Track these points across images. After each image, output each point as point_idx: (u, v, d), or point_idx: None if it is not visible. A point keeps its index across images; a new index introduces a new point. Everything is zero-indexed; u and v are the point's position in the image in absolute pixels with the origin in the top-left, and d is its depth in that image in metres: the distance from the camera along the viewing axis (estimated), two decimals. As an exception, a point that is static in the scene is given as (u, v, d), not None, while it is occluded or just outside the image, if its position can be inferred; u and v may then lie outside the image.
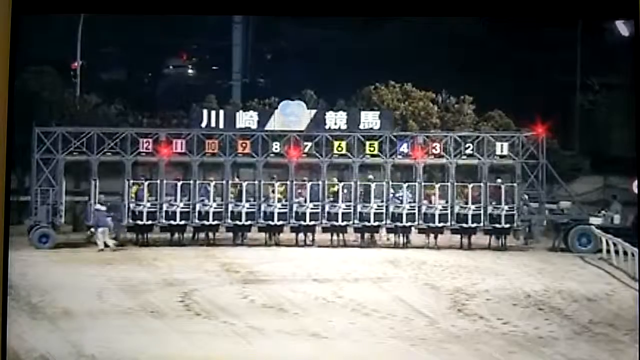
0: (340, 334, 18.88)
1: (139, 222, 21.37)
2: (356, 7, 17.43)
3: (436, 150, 21.47)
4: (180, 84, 21.82)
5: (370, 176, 21.59)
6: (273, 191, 21.24)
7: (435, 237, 21.54)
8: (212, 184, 21.38)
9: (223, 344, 18.52)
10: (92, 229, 20.98)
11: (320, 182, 21.58)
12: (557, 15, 17.83)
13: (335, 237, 21.62)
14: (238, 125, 21.34)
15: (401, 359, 18.39)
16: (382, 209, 21.52)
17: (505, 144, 21.39)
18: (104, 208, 21.05)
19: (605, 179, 21.23)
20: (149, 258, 20.84)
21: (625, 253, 20.46)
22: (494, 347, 18.57)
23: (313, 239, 21.52)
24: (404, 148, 21.49)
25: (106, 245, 20.96)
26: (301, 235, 21.49)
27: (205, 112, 21.27)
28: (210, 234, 21.41)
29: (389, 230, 21.61)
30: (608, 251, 20.92)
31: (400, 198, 21.27)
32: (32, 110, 19.87)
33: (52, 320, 18.64)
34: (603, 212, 21.23)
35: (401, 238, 21.56)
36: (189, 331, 18.78)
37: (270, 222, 21.46)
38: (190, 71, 22.13)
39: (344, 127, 21.44)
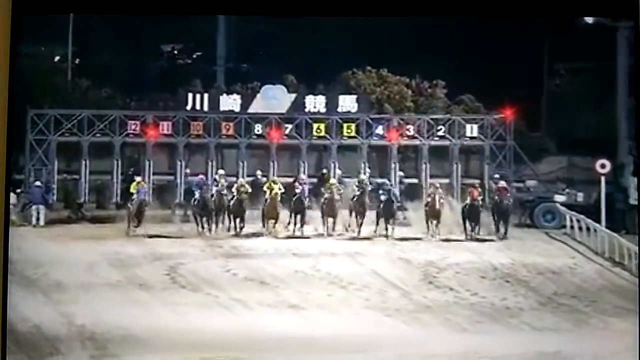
0: (319, 305, 19.30)
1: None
2: (354, 7, 17.79)
3: (410, 132, 21.59)
4: (166, 69, 21.84)
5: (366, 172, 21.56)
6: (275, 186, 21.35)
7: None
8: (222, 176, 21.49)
9: (207, 315, 18.93)
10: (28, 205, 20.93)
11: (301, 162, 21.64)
12: (555, 14, 18.09)
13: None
14: (222, 108, 21.45)
15: (376, 329, 18.82)
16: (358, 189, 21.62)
17: (475, 126, 21.54)
18: (40, 185, 20.98)
19: (569, 159, 21.35)
20: (137, 234, 20.98)
21: (587, 229, 20.81)
22: (463, 317, 19.07)
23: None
24: (379, 130, 21.63)
25: (37, 223, 20.92)
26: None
27: (190, 95, 21.37)
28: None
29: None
30: (572, 227, 21.16)
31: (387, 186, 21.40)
32: (26, 94, 19.89)
33: (45, 292, 18.98)
34: (567, 190, 21.40)
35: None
36: (174, 303, 19.14)
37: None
38: (176, 56, 22.12)
39: (323, 110, 21.55)
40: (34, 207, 20.92)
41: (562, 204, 21.36)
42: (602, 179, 20.75)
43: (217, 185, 21.38)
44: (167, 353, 17.90)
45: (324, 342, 18.39)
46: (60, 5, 17.85)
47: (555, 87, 21.56)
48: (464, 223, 21.03)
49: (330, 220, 21.26)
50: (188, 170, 21.56)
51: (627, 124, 20.87)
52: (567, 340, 18.45)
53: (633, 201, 20.36)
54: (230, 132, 21.48)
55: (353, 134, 21.59)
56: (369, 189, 21.43)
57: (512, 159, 21.42)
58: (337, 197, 21.22)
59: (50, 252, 19.82)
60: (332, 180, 21.33)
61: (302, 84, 21.53)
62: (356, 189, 21.45)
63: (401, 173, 21.67)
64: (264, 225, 21.21)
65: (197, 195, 21.18)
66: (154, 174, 21.51)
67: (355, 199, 21.37)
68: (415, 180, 21.75)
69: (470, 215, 21.02)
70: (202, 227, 21.05)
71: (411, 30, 20.27)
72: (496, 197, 21.18)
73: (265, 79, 21.39)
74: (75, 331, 18.23)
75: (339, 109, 21.60)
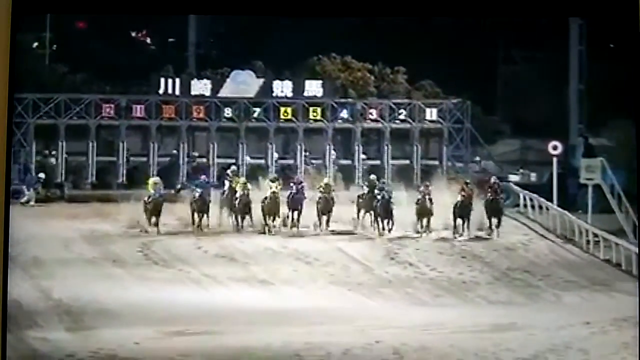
0: (285, 280, 19.62)
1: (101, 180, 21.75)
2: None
3: (373, 115, 21.93)
4: (140, 55, 22.00)
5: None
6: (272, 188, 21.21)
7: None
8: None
9: (180, 290, 19.21)
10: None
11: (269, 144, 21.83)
12: (553, 14, 18.42)
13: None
14: (193, 93, 21.69)
15: (339, 302, 19.17)
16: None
17: (435, 110, 21.87)
18: (41, 177, 21.23)
19: (522, 142, 21.75)
20: (112, 212, 21.17)
21: (540, 207, 21.24)
22: (422, 290, 19.45)
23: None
24: (344, 114, 21.95)
25: (28, 202, 21.05)
26: None
27: (162, 80, 21.60)
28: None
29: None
30: (525, 205, 21.55)
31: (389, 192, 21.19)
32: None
33: (24, 267, 19.12)
34: (521, 170, 21.79)
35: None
36: (148, 278, 19.41)
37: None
38: (149, 43, 22.31)
39: (290, 94, 21.81)
40: (27, 192, 21.04)
41: (516, 184, 21.70)
42: (554, 160, 21.17)
43: (230, 182, 21.47)
44: (141, 326, 18.10)
45: (290, 315, 18.66)
46: (60, 5, 18.04)
47: (510, 74, 21.84)
48: (455, 221, 20.89)
49: (325, 217, 21.12)
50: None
51: (578, 108, 21.40)
52: (521, 312, 18.79)
53: (583, 181, 20.87)
54: (201, 115, 21.69)
55: (319, 117, 21.84)
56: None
57: (469, 142, 21.72)
58: (331, 195, 21.13)
59: (29, 230, 19.82)
60: (326, 180, 21.28)
61: (270, 70, 21.74)
62: (365, 188, 21.41)
63: (363, 155, 22.01)
64: (266, 223, 21.08)
65: (197, 194, 21.12)
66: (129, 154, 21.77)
67: (362, 197, 21.31)
68: (377, 162, 22.05)
69: (462, 212, 20.85)
70: (199, 225, 21.02)
71: (374, 20, 20.46)
72: (489, 195, 21.05)
73: (234, 64, 21.59)
74: (52, 305, 18.43)
75: (305, 94, 21.83)
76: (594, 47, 20.89)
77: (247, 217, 21.10)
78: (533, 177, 21.73)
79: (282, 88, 21.79)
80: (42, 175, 21.27)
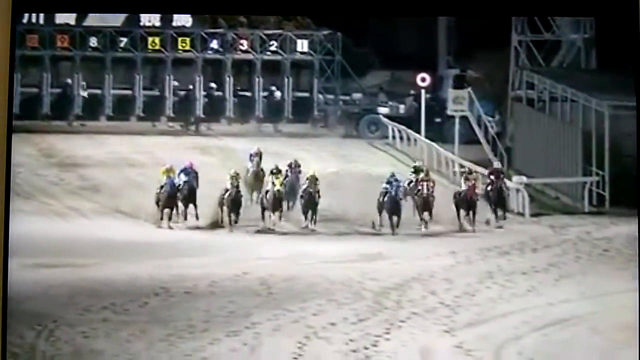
0: (154, 214, 19.51)
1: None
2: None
3: (243, 47, 21.60)
4: None
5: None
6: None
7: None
8: None
9: (42, 223, 18.82)
10: None
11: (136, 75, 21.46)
12: (552, 12, 18.33)
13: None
14: (57, 22, 20.99)
15: (207, 235, 19.28)
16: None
17: (306, 42, 21.66)
18: None
19: (392, 74, 21.64)
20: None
21: (408, 139, 21.27)
22: (292, 222, 19.71)
23: None
24: (214, 44, 21.57)
25: None
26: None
27: None
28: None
29: (201, 120, 21.62)
30: (394, 137, 21.52)
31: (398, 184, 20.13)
32: None
33: None
34: (390, 102, 21.77)
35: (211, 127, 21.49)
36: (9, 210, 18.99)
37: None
38: None
39: (157, 24, 21.30)
40: None
41: (385, 116, 21.66)
42: (422, 91, 21.22)
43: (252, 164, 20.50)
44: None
45: (156, 248, 18.59)
46: (60, 5, 17.94)
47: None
48: (458, 213, 19.73)
49: (310, 213, 19.90)
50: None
51: (446, 40, 21.44)
52: (387, 243, 19.03)
53: (450, 112, 20.99)
54: (65, 44, 21.10)
55: (188, 48, 21.44)
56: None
57: (340, 74, 21.60)
58: (317, 189, 19.93)
59: None
60: (312, 172, 20.13)
61: (137, -2, 21.42)
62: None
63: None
64: (262, 219, 19.87)
65: (182, 180, 20.01)
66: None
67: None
68: (249, 94, 21.77)
69: (468, 204, 19.68)
70: (185, 217, 19.81)
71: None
72: (489, 180, 19.96)
73: (100, -7, 21.15)
74: None
75: (174, 24, 21.36)
76: (463, -23, 20.93)
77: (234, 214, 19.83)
78: (402, 109, 21.65)
79: (150, 17, 21.21)
80: None
